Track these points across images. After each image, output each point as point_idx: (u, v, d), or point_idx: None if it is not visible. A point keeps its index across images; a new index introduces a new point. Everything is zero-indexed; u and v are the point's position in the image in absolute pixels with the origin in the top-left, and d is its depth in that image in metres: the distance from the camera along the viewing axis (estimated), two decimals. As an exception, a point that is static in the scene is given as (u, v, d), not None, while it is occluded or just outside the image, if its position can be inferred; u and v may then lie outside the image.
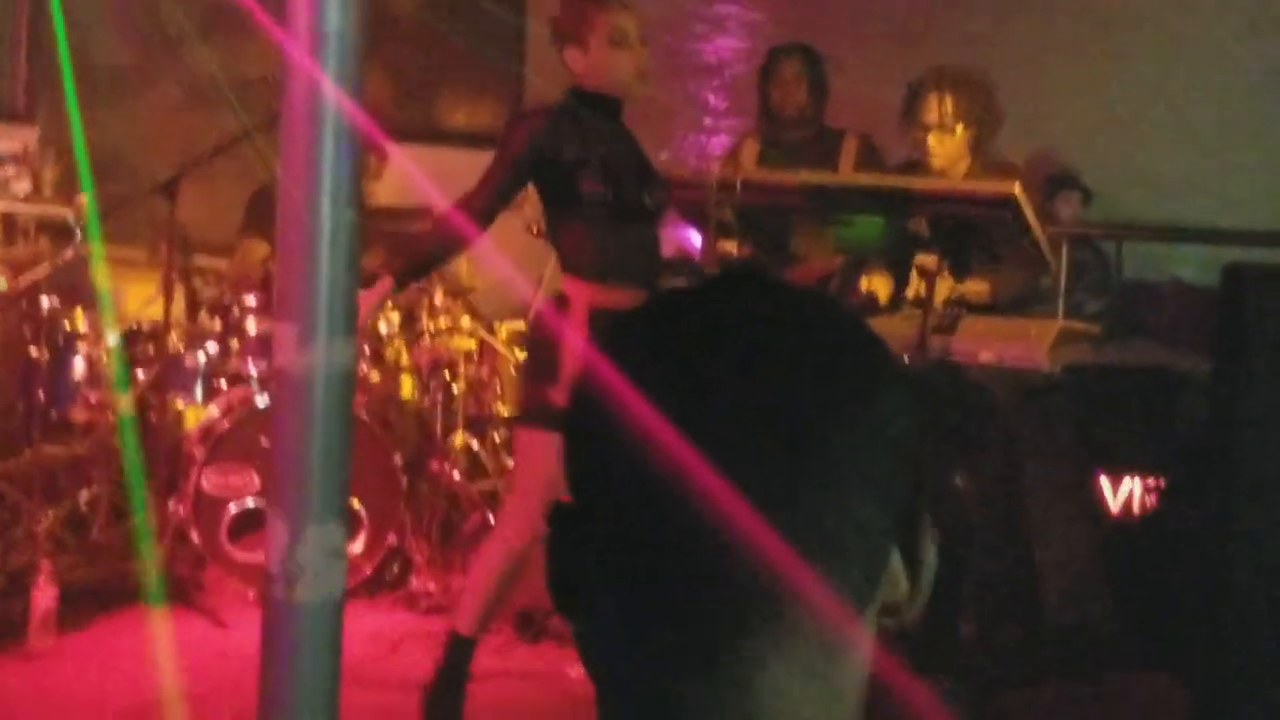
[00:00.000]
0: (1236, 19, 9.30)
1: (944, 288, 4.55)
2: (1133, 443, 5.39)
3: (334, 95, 2.77)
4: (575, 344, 4.07)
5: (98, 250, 5.69)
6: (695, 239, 5.49)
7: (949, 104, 4.79)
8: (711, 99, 9.07)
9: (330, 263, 2.77)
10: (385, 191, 6.56)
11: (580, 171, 4.12)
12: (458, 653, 4.18)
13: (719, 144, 9.00)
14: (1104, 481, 5.34)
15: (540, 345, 4.28)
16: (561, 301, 4.20)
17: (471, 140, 8.51)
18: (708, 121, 9.07)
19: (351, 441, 2.87)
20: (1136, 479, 5.34)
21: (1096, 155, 8.68)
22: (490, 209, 4.21)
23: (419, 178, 5.91)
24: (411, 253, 4.34)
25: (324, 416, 2.78)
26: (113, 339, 5.66)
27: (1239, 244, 8.81)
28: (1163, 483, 5.12)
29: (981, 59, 8.94)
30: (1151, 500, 5.26)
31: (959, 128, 4.78)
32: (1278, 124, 9.22)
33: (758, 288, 1.02)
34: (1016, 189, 4.20)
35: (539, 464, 4.09)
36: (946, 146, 4.80)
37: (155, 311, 5.91)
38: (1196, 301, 7.52)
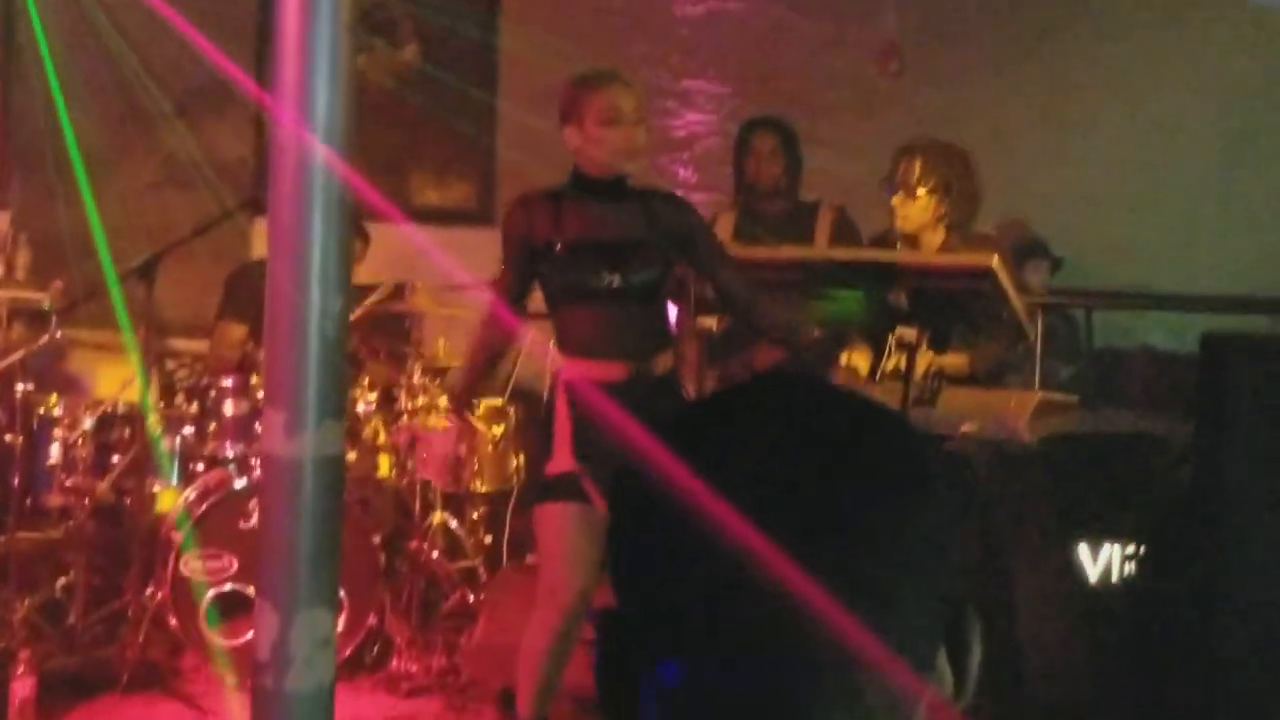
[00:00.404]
0: (1200, 87, 9.41)
1: (923, 360, 4.57)
2: (1110, 510, 5.40)
3: (323, 180, 2.77)
4: (560, 418, 4.13)
5: (73, 336, 5.68)
6: (672, 313, 5.50)
7: (916, 167, 4.84)
8: (681, 172, 9.11)
9: (319, 349, 2.77)
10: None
11: (549, 254, 4.20)
12: None
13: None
14: (1083, 550, 5.35)
15: (539, 423, 4.37)
16: (555, 379, 4.30)
17: (443, 217, 8.55)
18: (678, 194, 9.11)
19: (341, 527, 2.86)
20: (1115, 546, 5.35)
21: (1063, 223, 8.74)
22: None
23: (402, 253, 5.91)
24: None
25: (313, 503, 2.77)
26: (89, 424, 5.64)
27: (1206, 310, 8.90)
28: (1142, 550, 5.12)
29: (947, 129, 9.02)
30: (1131, 568, 5.26)
31: (922, 191, 4.83)
32: (1241, 190, 9.33)
33: (810, 391, 1.02)
34: (995, 261, 4.23)
35: (551, 538, 4.16)
36: (909, 209, 4.85)
37: (130, 394, 5.89)
38: (1167, 367, 7.57)
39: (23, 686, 4.73)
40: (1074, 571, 5.30)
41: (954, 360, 4.74)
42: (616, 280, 4.19)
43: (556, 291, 4.29)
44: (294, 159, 2.79)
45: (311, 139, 2.79)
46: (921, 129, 8.98)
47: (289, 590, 2.79)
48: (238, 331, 6.18)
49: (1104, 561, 5.36)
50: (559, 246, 4.21)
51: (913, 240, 4.90)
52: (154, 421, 5.60)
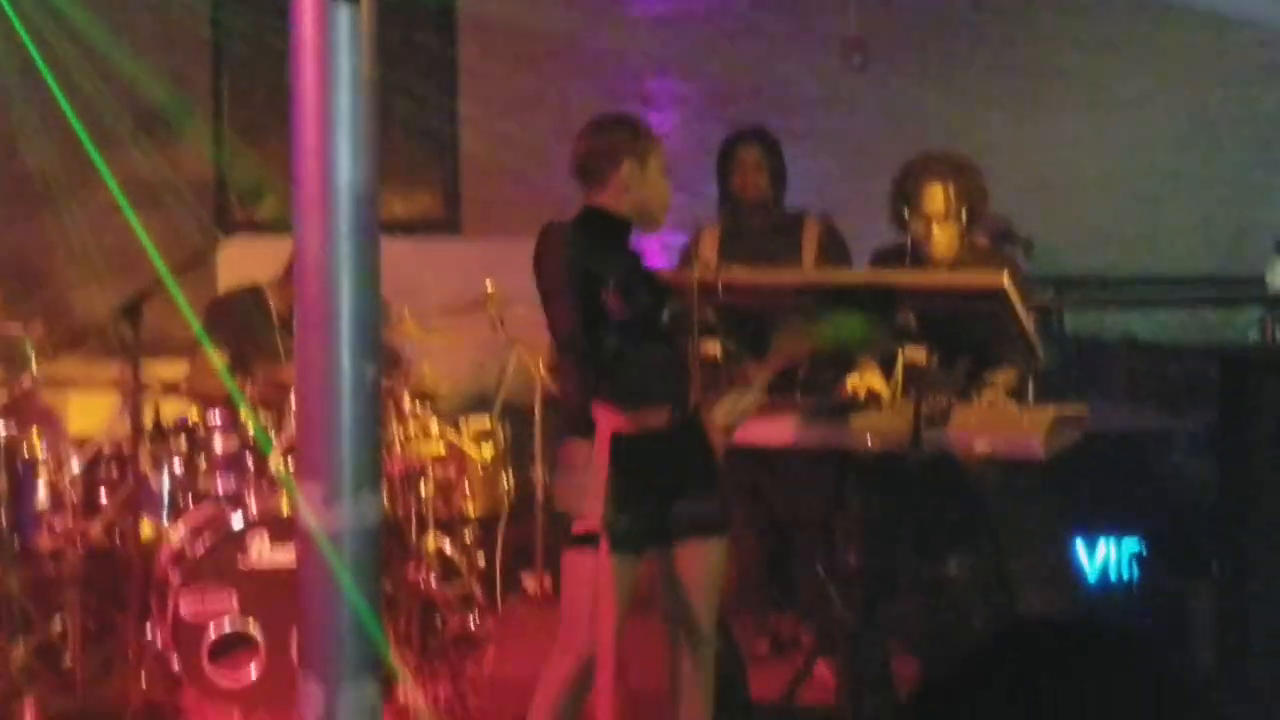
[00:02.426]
0: (1161, 71, 9.44)
1: (989, 393, 4.54)
2: (1109, 508, 5.43)
3: (350, 249, 2.72)
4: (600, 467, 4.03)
5: (57, 374, 5.62)
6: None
7: (952, 193, 4.80)
8: (647, 174, 9.06)
9: (352, 418, 2.72)
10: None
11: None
12: None
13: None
14: (1081, 547, 5.38)
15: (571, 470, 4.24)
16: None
17: (410, 228, 8.49)
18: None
19: (381, 596, 2.82)
20: (1114, 543, 5.38)
21: (1030, 208, 8.75)
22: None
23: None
24: None
25: (354, 574, 2.73)
26: (76, 464, 5.57)
27: (1174, 290, 8.97)
28: (1144, 548, 5.15)
29: (913, 120, 9.07)
30: (1131, 565, 5.29)
31: (962, 214, 4.81)
32: (1205, 172, 9.38)
33: (1056, 639, 1.00)
34: (1005, 281, 4.21)
35: (579, 585, 4.11)
36: (950, 235, 4.82)
37: (112, 431, 5.82)
38: (1146, 357, 7.58)
39: (30, 737, 4.67)
40: (1074, 569, 5.33)
41: (1006, 377, 4.70)
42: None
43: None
44: (319, 230, 2.73)
45: (336, 207, 2.73)
46: (888, 121, 9.04)
47: (333, 663, 2.76)
48: (217, 361, 6.11)
49: (1102, 558, 5.39)
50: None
51: (941, 263, 4.86)
52: (143, 458, 5.54)
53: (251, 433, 5.61)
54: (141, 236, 5.17)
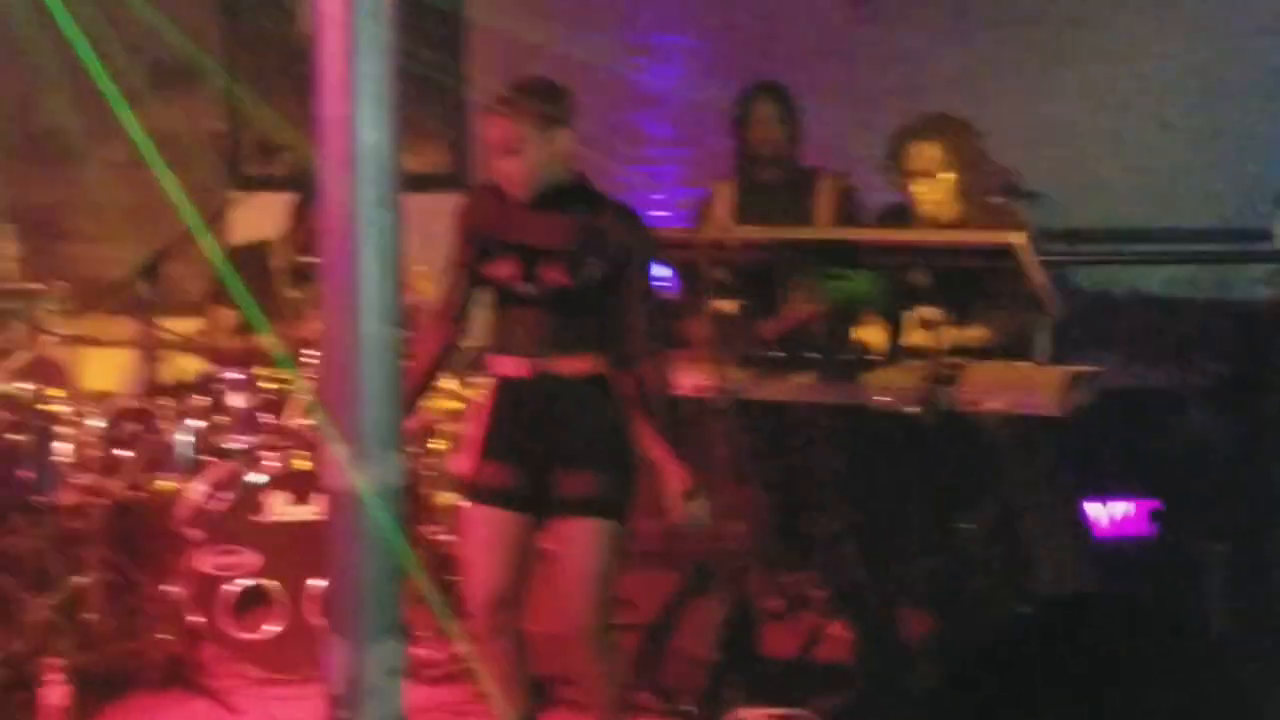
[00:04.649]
0: (1170, 19, 9.43)
1: (946, 335, 4.59)
2: (1122, 466, 5.47)
3: (371, 214, 2.76)
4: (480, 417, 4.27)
5: (76, 332, 5.67)
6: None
7: (934, 151, 4.83)
8: (656, 130, 9.09)
9: (375, 381, 2.76)
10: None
11: None
12: None
13: (667, 174, 9.03)
14: (1095, 507, 5.42)
15: None
16: None
17: (418, 183, 8.51)
18: (653, 153, 9.09)
19: (405, 556, 2.87)
20: (1127, 503, 5.42)
21: (1036, 161, 8.76)
22: None
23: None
24: None
25: (379, 535, 2.78)
26: (96, 421, 5.62)
27: (1184, 244, 8.97)
28: (1157, 504, 5.18)
29: (919, 71, 9.08)
30: (1144, 523, 5.33)
31: (943, 175, 4.83)
32: (1215, 124, 9.37)
33: (1072, 614, 1.03)
34: (1017, 238, 4.25)
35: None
36: (935, 193, 4.84)
37: (130, 386, 5.88)
38: (1157, 311, 7.61)
39: (54, 694, 4.74)
40: (1086, 527, 5.37)
41: (975, 334, 4.77)
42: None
43: None
44: (342, 197, 2.77)
45: (357, 172, 2.77)
46: (895, 73, 9.04)
47: (359, 625, 2.81)
48: (229, 317, 6.16)
49: (1115, 516, 5.43)
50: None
51: (932, 219, 4.91)
52: (161, 415, 5.59)
53: (269, 389, 5.67)
54: (173, 191, 5.20)
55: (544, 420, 4.14)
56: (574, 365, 4.16)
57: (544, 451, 4.15)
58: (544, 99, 4.12)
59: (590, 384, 4.17)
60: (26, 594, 5.54)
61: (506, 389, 4.22)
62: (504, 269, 4.19)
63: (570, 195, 4.19)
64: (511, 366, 4.20)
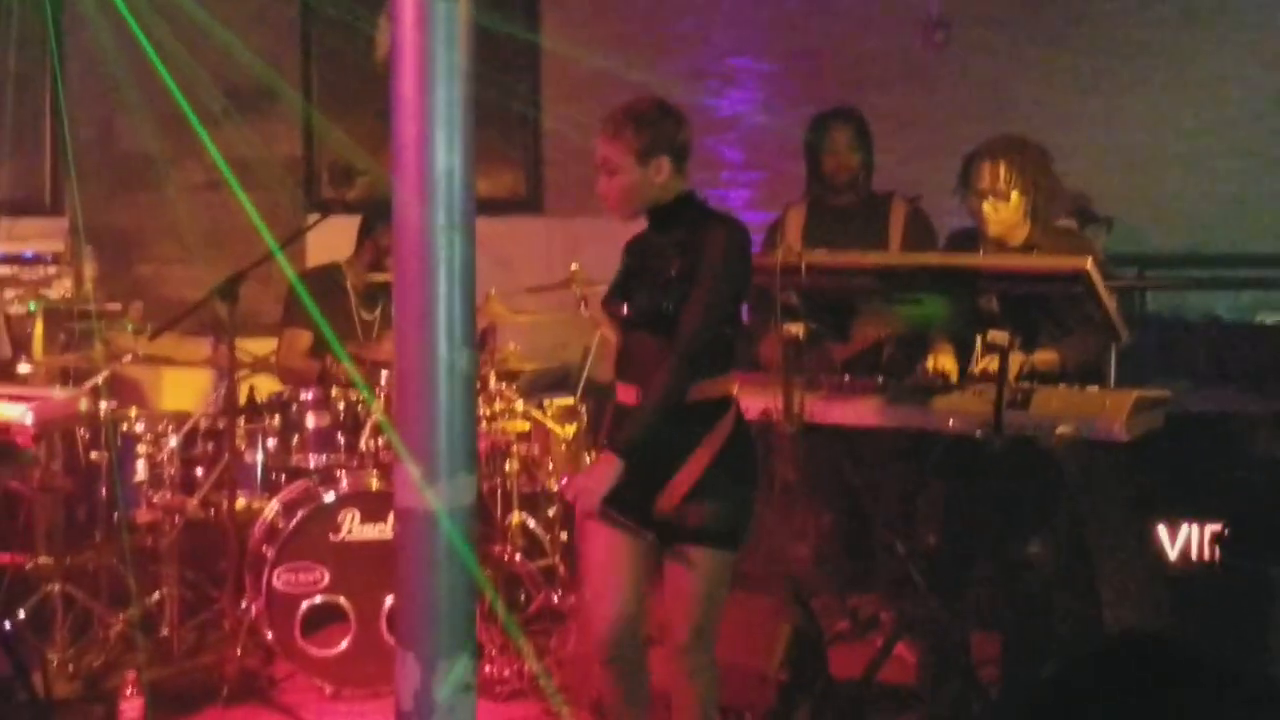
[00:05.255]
0: (1246, 45, 9.40)
1: (1015, 360, 4.59)
2: (1190, 490, 5.43)
3: (446, 239, 2.80)
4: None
5: (153, 352, 5.76)
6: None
7: (1002, 170, 4.82)
8: (728, 153, 9.14)
9: (449, 403, 2.81)
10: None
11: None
12: None
13: (738, 198, 9.07)
14: (1162, 531, 5.39)
15: None
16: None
17: (493, 208, 8.57)
18: (725, 176, 9.14)
19: (475, 574, 2.91)
20: (1195, 527, 5.39)
21: (1111, 187, 8.75)
22: None
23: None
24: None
25: (450, 554, 2.82)
26: (173, 440, 5.72)
27: (1257, 270, 8.91)
28: (1226, 530, 5.14)
29: (994, 97, 9.08)
30: (1213, 548, 5.29)
31: (1014, 194, 4.82)
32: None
33: (1159, 659, 1.05)
34: (1088, 264, 4.25)
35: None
36: (1002, 214, 4.84)
37: (206, 406, 5.97)
38: (1229, 337, 7.57)
39: (131, 707, 4.81)
40: (1154, 552, 5.34)
41: (1045, 357, 4.77)
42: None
43: None
44: (418, 222, 2.81)
45: (434, 200, 2.81)
46: (970, 99, 9.05)
47: (430, 641, 2.84)
48: (304, 339, 6.23)
49: (1184, 541, 5.40)
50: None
51: (1000, 242, 4.91)
52: (238, 434, 5.68)
53: (343, 409, 5.74)
54: (250, 213, 5.27)
55: (659, 447, 4.02)
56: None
57: (661, 479, 4.06)
58: (643, 124, 4.09)
59: (704, 408, 4.07)
60: (104, 609, 5.67)
61: (619, 416, 4.17)
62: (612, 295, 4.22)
63: (673, 217, 4.14)
64: (626, 394, 4.16)
